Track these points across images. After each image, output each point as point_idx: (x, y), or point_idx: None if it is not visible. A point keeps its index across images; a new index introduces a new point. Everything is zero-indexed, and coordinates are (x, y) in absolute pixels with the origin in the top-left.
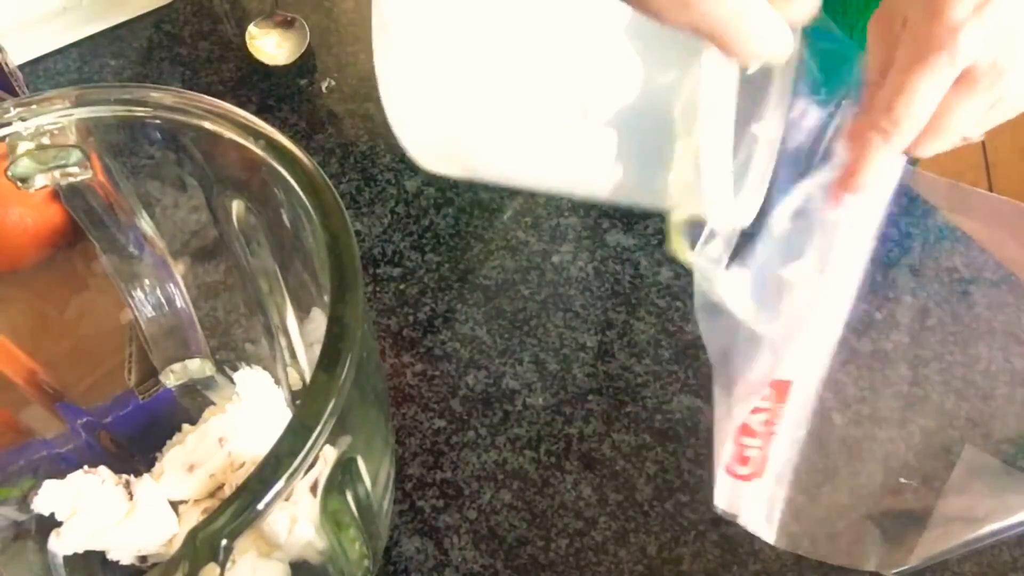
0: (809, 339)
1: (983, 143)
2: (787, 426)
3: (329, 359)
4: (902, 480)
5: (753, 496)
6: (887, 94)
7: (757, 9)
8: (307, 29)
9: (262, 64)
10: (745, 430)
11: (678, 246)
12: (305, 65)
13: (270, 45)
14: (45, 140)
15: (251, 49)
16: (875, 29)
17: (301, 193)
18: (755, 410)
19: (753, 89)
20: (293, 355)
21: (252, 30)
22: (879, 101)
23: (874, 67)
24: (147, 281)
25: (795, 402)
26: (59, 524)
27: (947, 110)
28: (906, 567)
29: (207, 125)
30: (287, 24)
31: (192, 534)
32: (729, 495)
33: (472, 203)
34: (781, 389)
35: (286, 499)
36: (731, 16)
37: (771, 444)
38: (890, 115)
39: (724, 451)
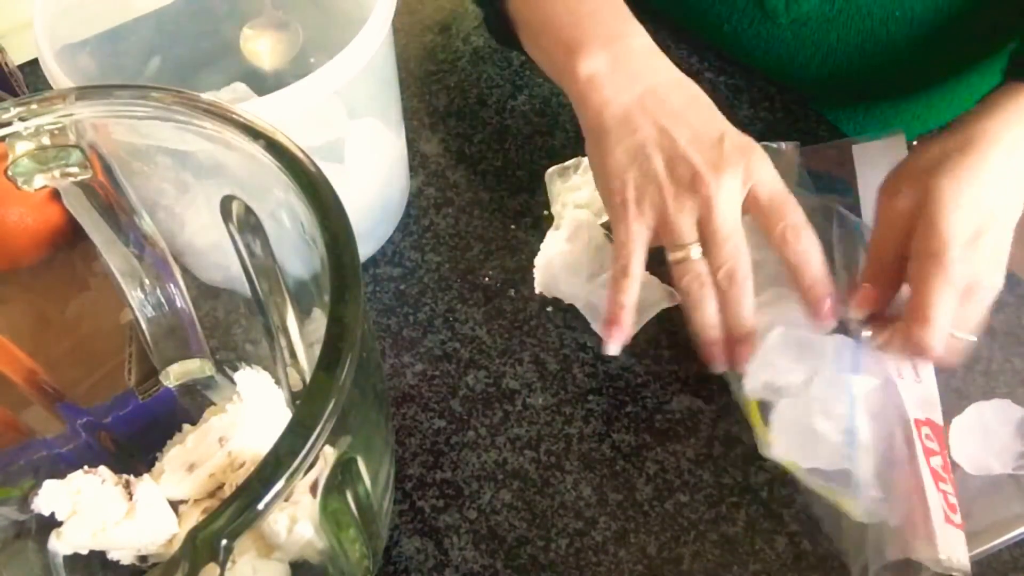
0: None
1: None
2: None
3: (329, 359)
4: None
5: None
6: (918, 326)
7: None
8: (300, 33)
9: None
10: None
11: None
12: (300, 68)
13: (265, 47)
14: (45, 140)
15: (245, 51)
16: (882, 200)
17: (301, 193)
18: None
19: None
20: (293, 355)
21: (246, 32)
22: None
23: (879, 242)
24: (147, 281)
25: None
26: (59, 524)
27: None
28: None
29: (207, 125)
30: (281, 26)
31: (192, 534)
32: (953, 545)
33: (472, 203)
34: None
35: (286, 499)
36: None
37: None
38: (929, 344)
39: (932, 503)
